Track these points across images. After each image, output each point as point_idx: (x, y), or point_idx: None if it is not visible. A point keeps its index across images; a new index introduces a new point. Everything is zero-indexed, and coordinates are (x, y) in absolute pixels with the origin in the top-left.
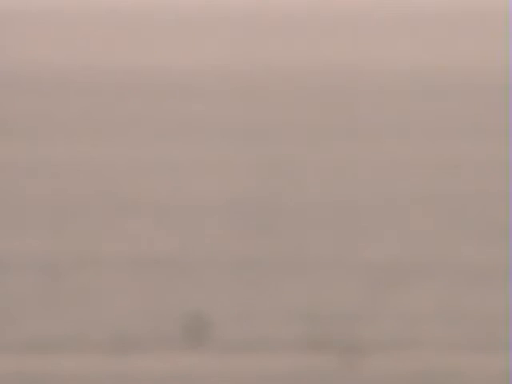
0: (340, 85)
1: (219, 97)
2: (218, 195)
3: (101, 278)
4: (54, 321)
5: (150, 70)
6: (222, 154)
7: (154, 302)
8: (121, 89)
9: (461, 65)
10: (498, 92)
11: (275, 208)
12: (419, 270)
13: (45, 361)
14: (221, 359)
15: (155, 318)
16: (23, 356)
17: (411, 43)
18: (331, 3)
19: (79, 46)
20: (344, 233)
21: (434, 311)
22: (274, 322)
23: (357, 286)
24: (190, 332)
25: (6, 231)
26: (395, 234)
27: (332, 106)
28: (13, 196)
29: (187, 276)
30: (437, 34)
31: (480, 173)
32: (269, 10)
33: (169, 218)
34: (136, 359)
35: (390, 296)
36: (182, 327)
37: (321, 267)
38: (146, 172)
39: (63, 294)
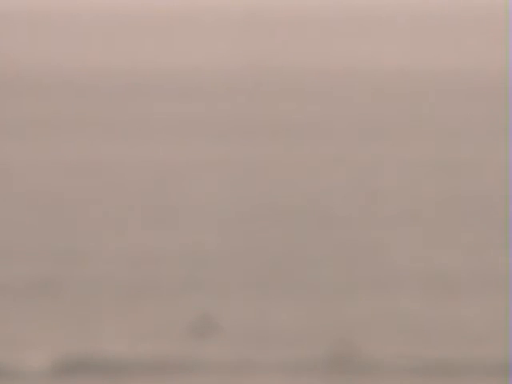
0: (339, 84)
1: (220, 96)
2: (219, 196)
3: (101, 279)
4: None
5: (150, 70)
6: (222, 154)
7: (164, 310)
8: (121, 89)
9: (460, 65)
10: (497, 93)
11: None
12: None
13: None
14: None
15: (161, 328)
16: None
17: (410, 43)
18: (331, 3)
19: (79, 46)
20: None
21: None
22: (297, 339)
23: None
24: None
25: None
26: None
27: (332, 106)
28: (12, 196)
29: (192, 280)
30: (436, 33)
31: (485, 174)
32: (269, 10)
33: (173, 220)
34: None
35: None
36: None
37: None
38: (147, 172)
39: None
